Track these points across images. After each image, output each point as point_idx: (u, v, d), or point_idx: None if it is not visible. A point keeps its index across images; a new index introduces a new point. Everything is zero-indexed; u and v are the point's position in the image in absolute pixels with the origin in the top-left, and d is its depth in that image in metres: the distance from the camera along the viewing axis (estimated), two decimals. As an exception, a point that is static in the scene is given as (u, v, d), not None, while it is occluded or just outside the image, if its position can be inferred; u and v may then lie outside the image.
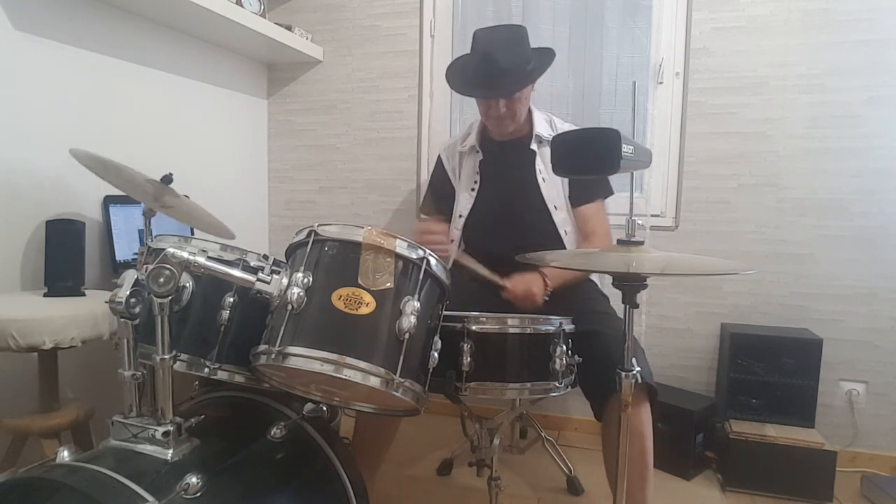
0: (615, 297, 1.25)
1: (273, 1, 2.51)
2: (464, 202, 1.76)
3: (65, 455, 0.88)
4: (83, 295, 1.50)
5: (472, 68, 1.60)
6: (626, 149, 0.98)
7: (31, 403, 1.45)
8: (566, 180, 1.70)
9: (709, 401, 2.02)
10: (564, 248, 1.67)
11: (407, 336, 0.93)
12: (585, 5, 2.22)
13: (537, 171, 1.69)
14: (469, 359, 1.13)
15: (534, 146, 1.70)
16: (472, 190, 1.76)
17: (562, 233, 1.67)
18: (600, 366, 1.25)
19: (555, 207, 1.68)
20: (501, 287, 1.50)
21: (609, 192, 1.75)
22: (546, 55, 1.64)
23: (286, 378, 1.04)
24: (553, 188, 1.69)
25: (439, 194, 1.87)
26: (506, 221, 1.69)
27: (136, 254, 1.68)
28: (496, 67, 1.54)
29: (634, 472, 1.28)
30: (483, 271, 1.52)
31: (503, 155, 1.74)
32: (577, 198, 1.70)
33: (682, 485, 1.89)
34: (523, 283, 1.47)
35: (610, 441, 1.35)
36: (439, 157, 1.89)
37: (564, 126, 1.75)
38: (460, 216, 1.76)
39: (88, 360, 1.72)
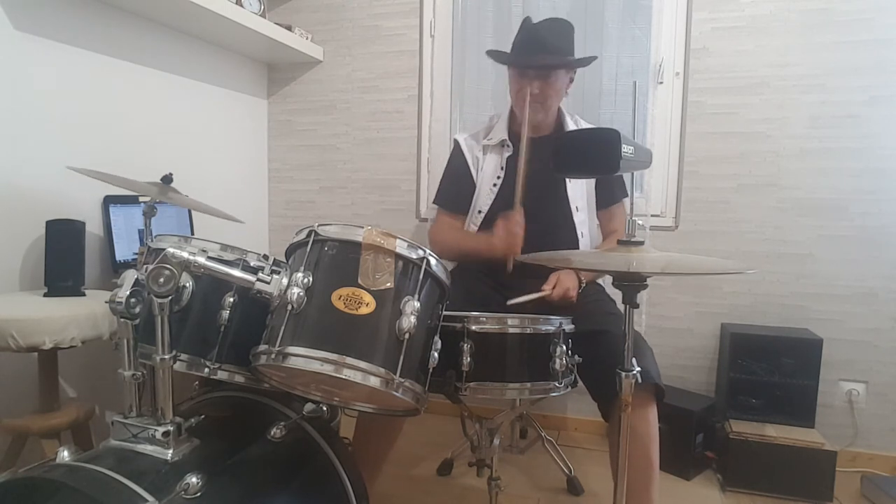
0: (615, 298, 1.25)
1: (273, 1, 2.51)
2: (484, 197, 1.71)
3: (65, 455, 0.88)
4: (83, 295, 1.50)
5: (516, 43, 1.64)
6: (626, 149, 0.98)
7: (31, 403, 1.45)
8: (592, 182, 1.70)
9: (709, 401, 2.02)
10: (579, 249, 1.66)
11: (407, 336, 0.92)
12: (585, 5, 2.22)
13: None
14: (469, 359, 1.13)
15: None
16: (495, 185, 1.70)
17: (579, 234, 1.67)
18: (607, 366, 1.24)
19: (576, 208, 1.67)
20: (543, 295, 1.45)
21: (626, 192, 1.77)
22: (588, 59, 1.66)
23: (286, 378, 1.04)
24: (578, 189, 1.68)
25: (459, 183, 1.77)
26: (526, 220, 1.66)
27: (136, 254, 1.68)
28: (538, 42, 1.58)
29: (640, 474, 1.27)
30: (531, 297, 1.43)
31: (531, 151, 1.69)
32: (607, 199, 1.73)
33: (682, 485, 1.89)
34: (560, 287, 1.43)
35: (616, 441, 1.34)
36: (458, 143, 1.80)
37: (587, 127, 1.74)
38: (479, 212, 1.71)
39: (88, 360, 1.72)
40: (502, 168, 1.72)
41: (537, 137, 1.71)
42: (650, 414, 1.31)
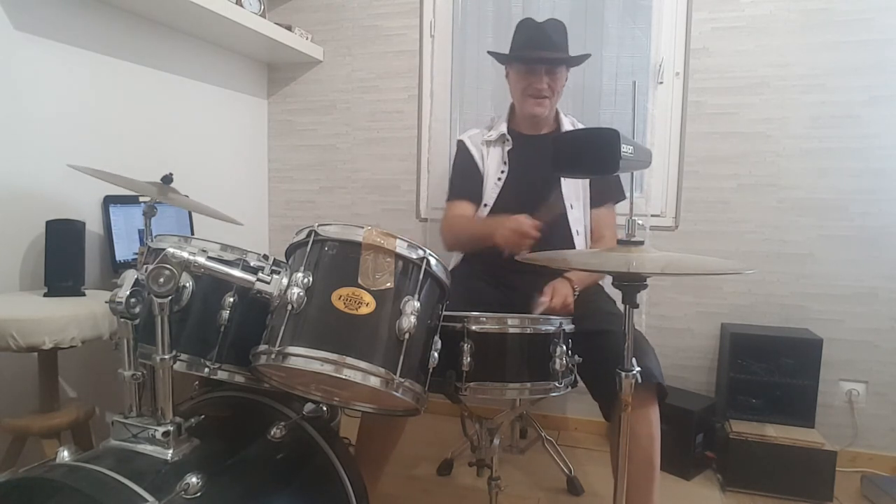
0: (615, 298, 1.25)
1: (273, 1, 2.51)
2: (489, 191, 1.74)
3: (65, 455, 0.88)
4: (83, 295, 1.50)
5: (520, 42, 1.68)
6: (626, 149, 0.98)
7: (31, 403, 1.45)
8: (587, 181, 1.71)
9: (709, 401, 2.02)
10: (574, 247, 1.67)
11: (407, 336, 0.93)
12: (585, 5, 2.22)
13: None
14: (469, 359, 1.13)
15: None
16: (499, 179, 1.74)
17: (574, 232, 1.68)
18: (608, 366, 1.24)
19: (571, 206, 1.69)
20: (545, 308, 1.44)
21: (623, 195, 1.77)
22: (585, 56, 1.71)
23: (286, 378, 1.04)
24: (572, 187, 1.70)
25: (468, 175, 1.78)
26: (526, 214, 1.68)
27: (136, 254, 1.68)
28: (545, 38, 1.64)
29: (641, 474, 1.27)
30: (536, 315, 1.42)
31: (530, 148, 1.74)
32: (597, 199, 1.74)
33: (682, 485, 1.89)
34: (559, 296, 1.43)
35: (617, 442, 1.34)
36: (462, 142, 1.82)
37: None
38: (485, 205, 1.74)
39: (88, 360, 1.72)
40: (505, 163, 1.75)
41: (537, 135, 1.74)
42: (652, 414, 1.31)
